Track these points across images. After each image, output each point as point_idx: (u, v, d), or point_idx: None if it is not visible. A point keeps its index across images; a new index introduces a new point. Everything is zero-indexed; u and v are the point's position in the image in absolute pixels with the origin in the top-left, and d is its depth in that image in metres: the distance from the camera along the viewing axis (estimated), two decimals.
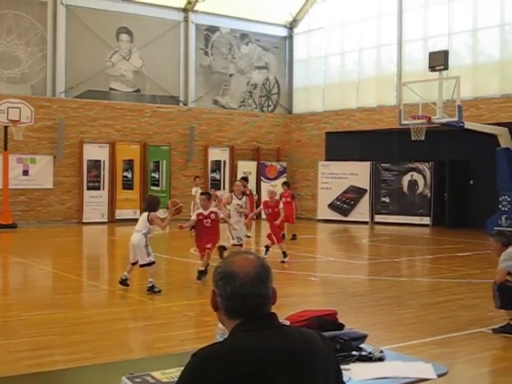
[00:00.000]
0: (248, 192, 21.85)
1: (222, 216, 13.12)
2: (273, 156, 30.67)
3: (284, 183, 21.46)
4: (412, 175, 26.95)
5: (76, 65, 26.21)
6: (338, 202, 28.22)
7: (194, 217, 12.90)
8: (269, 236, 15.93)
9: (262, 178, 29.51)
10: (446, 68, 20.97)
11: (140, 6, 27.59)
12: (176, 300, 10.94)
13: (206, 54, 29.68)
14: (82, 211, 25.74)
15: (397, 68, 27.26)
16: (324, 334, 2.76)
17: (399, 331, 8.92)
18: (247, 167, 29.29)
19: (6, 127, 23.14)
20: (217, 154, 29.16)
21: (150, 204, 11.86)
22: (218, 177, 28.90)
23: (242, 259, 2.61)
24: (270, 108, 31.48)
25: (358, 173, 27.85)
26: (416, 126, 21.01)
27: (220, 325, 2.72)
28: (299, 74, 31.67)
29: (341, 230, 25.54)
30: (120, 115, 26.89)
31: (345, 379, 2.78)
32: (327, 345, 2.66)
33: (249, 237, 21.13)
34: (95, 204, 25.95)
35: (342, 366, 3.03)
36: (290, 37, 31.84)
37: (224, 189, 28.73)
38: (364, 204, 27.80)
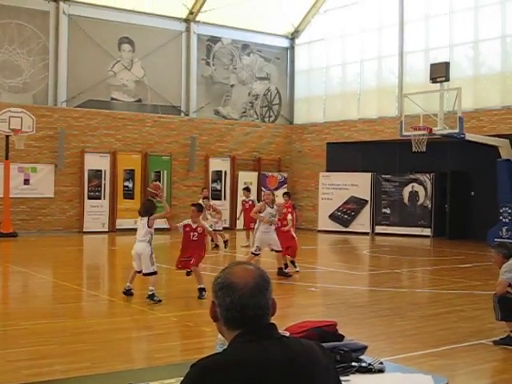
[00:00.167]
0: (250, 202, 21.93)
1: (208, 229, 12.55)
2: (274, 166, 30.67)
3: (285, 193, 21.43)
4: (413, 186, 26.95)
5: (78, 74, 26.26)
6: (339, 213, 28.21)
7: (180, 227, 12.31)
8: (286, 252, 15.53)
9: (263, 189, 29.46)
10: (448, 79, 20.99)
11: (142, 16, 27.66)
12: (176, 310, 10.92)
13: (208, 64, 29.74)
14: (83, 220, 25.73)
15: (398, 79, 27.29)
16: (324, 345, 2.75)
17: (399, 342, 8.90)
18: (248, 177, 29.29)
19: (7, 136, 23.17)
20: (218, 164, 29.16)
21: (148, 208, 12.00)
22: (218, 187, 28.89)
23: (242, 270, 2.60)
24: (272, 118, 31.52)
25: (358, 184, 27.85)
26: (417, 137, 21.02)
27: (220, 335, 2.71)
28: (300, 85, 31.72)
29: (341, 241, 25.51)
30: (121, 125, 26.92)
31: None
32: (327, 356, 2.66)
33: (247, 246, 21.15)
34: (96, 213, 25.94)
35: (342, 378, 3.03)
36: (292, 48, 31.91)
37: (225, 199, 28.75)
38: (365, 215, 27.78)
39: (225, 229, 26.98)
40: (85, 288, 13.73)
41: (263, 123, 31.08)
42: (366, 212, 27.75)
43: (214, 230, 20.37)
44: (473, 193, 25.94)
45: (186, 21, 28.99)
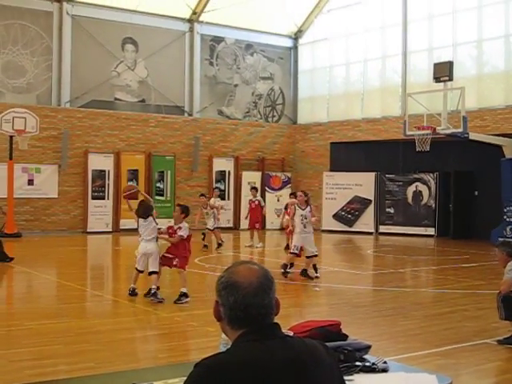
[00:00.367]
0: (257, 202, 21.96)
1: (181, 233, 11.66)
2: (277, 166, 30.66)
3: (292, 194, 21.47)
4: (417, 186, 26.93)
5: (81, 75, 26.29)
6: (343, 213, 28.20)
7: (164, 229, 12.14)
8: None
9: (267, 189, 29.48)
10: (451, 79, 20.99)
11: (145, 16, 27.68)
12: (179, 310, 10.93)
13: (211, 64, 29.74)
14: (87, 221, 25.76)
15: (401, 79, 27.27)
16: (327, 344, 2.75)
17: (403, 342, 8.89)
18: (252, 177, 29.28)
19: (11, 137, 23.20)
20: (221, 164, 29.17)
21: (146, 209, 12.06)
22: (222, 187, 28.89)
23: (246, 269, 2.60)
24: (275, 118, 31.51)
25: (362, 183, 27.83)
26: (421, 136, 21.01)
27: (223, 335, 2.71)
28: (304, 85, 31.71)
29: (345, 241, 25.50)
30: (125, 125, 26.94)
31: None
32: (331, 355, 2.65)
33: (251, 246, 21.15)
34: (100, 214, 25.97)
35: (346, 377, 3.02)
36: (295, 47, 31.91)
37: (228, 199, 28.75)
38: (368, 214, 27.76)
39: (228, 229, 27.08)
40: (89, 288, 13.74)
41: (267, 123, 31.08)
42: (370, 212, 27.74)
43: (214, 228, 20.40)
44: (477, 192, 25.93)
45: (190, 21, 29.00)
